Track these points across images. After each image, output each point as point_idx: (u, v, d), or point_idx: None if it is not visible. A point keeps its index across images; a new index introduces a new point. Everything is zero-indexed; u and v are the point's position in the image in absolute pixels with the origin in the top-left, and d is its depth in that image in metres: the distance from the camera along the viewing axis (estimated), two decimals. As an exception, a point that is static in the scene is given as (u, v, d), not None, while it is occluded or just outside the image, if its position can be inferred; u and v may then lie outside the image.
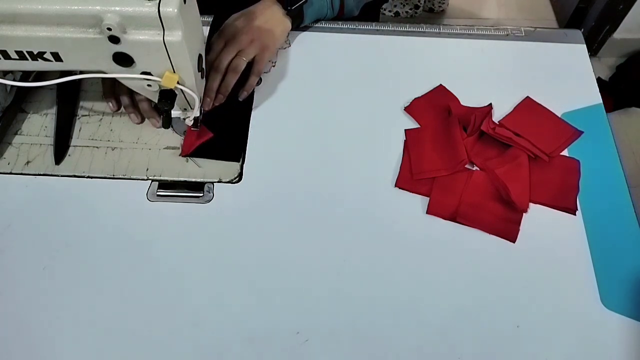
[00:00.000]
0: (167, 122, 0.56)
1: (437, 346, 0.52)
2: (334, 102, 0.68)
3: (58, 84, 0.62)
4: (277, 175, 0.62)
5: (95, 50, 0.49)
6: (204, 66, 0.57)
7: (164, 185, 0.61)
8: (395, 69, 0.72)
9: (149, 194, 0.61)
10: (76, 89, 0.68)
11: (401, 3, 1.78)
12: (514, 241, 0.57)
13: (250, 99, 0.67)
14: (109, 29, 0.46)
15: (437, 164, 0.62)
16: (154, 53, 0.49)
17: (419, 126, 0.66)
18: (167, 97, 0.54)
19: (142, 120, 0.65)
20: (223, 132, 0.64)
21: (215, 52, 0.65)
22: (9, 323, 0.53)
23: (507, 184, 0.58)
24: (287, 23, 0.69)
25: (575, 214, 0.59)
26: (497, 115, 0.66)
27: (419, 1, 1.76)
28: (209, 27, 0.74)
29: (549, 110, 0.67)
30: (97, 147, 0.64)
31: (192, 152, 0.63)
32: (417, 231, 0.58)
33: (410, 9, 1.79)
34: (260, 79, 0.70)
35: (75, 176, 0.61)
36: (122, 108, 0.65)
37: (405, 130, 0.65)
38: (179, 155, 0.63)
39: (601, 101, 0.68)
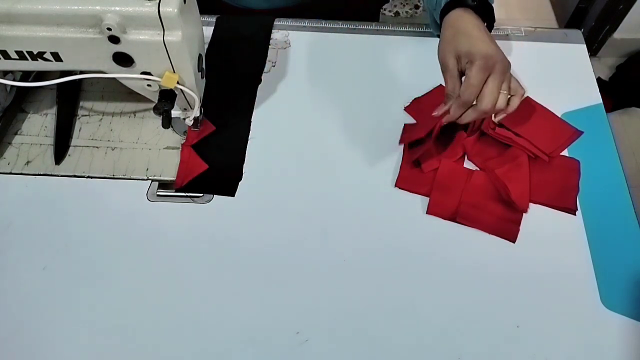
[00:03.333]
0: (167, 122, 0.56)
1: (437, 346, 0.52)
2: (334, 102, 0.68)
3: (58, 84, 0.62)
4: (277, 175, 0.62)
5: (95, 50, 0.49)
6: (203, 66, 0.57)
7: (164, 185, 0.61)
8: (395, 69, 0.72)
9: (149, 194, 0.61)
10: (76, 89, 0.68)
11: (401, 3, 1.78)
12: (514, 241, 0.57)
13: (246, 131, 0.65)
14: (109, 29, 0.46)
15: (434, 152, 0.61)
16: (153, 53, 0.49)
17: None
18: (167, 97, 0.54)
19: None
20: (218, 165, 0.62)
21: (475, 87, 0.54)
22: (9, 323, 0.53)
23: (507, 184, 0.58)
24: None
25: (575, 214, 0.59)
26: (497, 115, 0.66)
27: (419, 1, 1.76)
28: (209, 27, 0.74)
29: (549, 110, 0.67)
30: (97, 147, 0.64)
31: (186, 185, 0.60)
32: (417, 231, 0.58)
33: (410, 9, 1.79)
34: (260, 79, 0.70)
35: (75, 176, 0.61)
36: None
37: (405, 124, 0.65)
38: (173, 188, 0.61)
39: (601, 101, 0.68)
